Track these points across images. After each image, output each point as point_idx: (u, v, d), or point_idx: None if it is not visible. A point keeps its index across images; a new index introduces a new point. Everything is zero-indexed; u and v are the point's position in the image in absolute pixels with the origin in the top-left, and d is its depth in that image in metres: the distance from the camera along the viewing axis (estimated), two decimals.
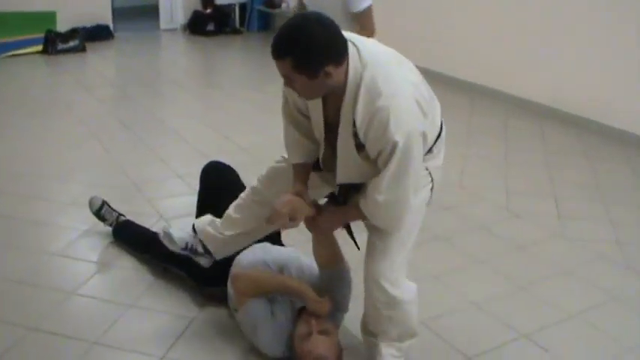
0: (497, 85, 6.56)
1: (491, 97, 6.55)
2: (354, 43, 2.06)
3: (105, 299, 2.92)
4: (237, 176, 3.17)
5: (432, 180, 2.28)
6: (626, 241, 3.70)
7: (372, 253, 2.28)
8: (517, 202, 4.17)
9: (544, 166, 4.88)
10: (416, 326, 2.41)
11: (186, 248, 2.70)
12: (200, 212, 3.02)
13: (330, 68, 1.96)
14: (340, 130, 2.12)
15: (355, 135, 2.08)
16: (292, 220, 2.24)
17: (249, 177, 2.84)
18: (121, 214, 3.40)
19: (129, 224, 3.35)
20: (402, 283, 2.29)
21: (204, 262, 2.73)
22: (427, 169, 2.25)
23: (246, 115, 5.78)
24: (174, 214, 3.70)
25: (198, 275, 2.88)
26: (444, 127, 2.33)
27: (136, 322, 2.77)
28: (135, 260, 3.22)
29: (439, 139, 2.28)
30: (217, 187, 3.08)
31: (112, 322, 2.74)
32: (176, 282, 3.03)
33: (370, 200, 2.13)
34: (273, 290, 2.51)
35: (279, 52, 1.96)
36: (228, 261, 2.73)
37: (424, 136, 2.07)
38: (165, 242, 2.72)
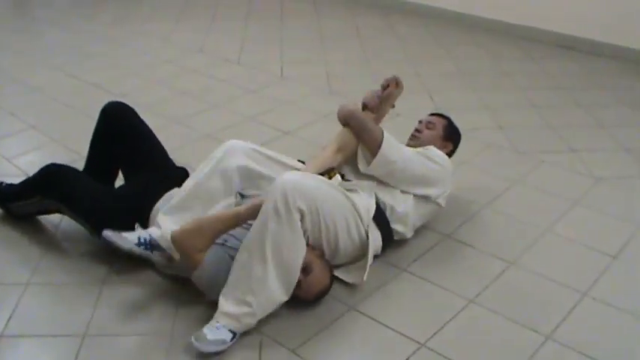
0: None
1: None
2: None
3: None
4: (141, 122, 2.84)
5: None
6: (506, 125, 3.85)
7: None
8: None
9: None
10: None
11: (140, 243, 2.37)
12: (91, 164, 2.78)
13: None
14: None
15: None
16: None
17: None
18: None
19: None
20: None
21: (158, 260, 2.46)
22: None
23: (85, 47, 5.23)
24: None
25: (99, 218, 2.53)
26: None
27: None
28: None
29: None
30: (118, 133, 2.76)
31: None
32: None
33: None
34: (219, 228, 2.29)
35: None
36: (138, 202, 2.55)
37: None
38: (114, 240, 2.33)
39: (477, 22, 5.72)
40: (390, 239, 2.60)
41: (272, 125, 3.84)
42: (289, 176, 2.28)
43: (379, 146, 2.55)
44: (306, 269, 2.28)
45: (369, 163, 2.59)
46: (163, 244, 2.39)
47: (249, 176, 2.53)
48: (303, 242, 2.27)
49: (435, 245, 2.75)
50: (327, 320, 2.34)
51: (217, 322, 2.18)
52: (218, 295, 2.26)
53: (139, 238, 2.37)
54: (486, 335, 2.29)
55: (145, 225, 2.55)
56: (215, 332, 2.15)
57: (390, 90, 2.80)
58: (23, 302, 2.41)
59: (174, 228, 2.32)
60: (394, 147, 2.60)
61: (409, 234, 2.67)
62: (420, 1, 6.11)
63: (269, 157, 2.60)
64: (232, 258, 2.30)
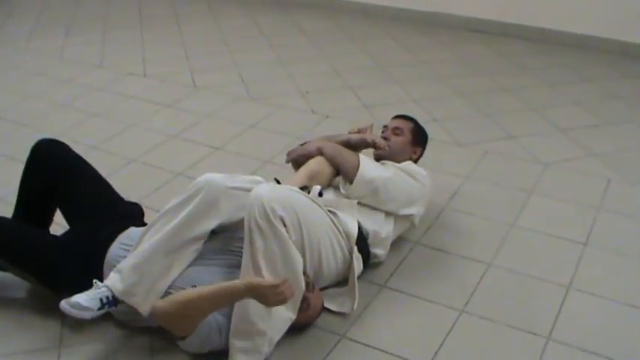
0: None
1: None
2: None
3: None
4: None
5: None
6: (440, 117, 3.78)
7: None
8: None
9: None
10: None
11: (103, 305, 2.07)
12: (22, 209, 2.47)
13: None
14: None
15: None
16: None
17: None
18: None
19: None
20: None
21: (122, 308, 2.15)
22: None
23: None
24: None
25: (50, 272, 2.24)
26: None
27: None
28: None
29: None
30: (56, 173, 2.44)
31: None
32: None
33: None
34: (210, 309, 2.00)
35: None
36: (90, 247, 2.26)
37: None
38: (77, 315, 2.02)
39: (383, 11, 5.67)
40: (368, 263, 2.46)
41: (199, 142, 3.59)
42: (261, 188, 2.12)
43: (357, 167, 2.41)
44: (307, 285, 2.12)
45: (350, 184, 2.44)
46: (127, 300, 2.12)
47: (228, 224, 2.25)
48: (296, 251, 2.08)
49: (407, 255, 2.64)
50: (322, 354, 2.17)
51: None
52: (208, 350, 2.05)
53: (101, 301, 2.08)
54: (488, 346, 2.20)
55: (100, 269, 2.25)
56: None
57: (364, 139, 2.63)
58: None
59: (135, 281, 2.08)
60: (373, 166, 2.47)
61: (385, 257, 2.54)
62: None
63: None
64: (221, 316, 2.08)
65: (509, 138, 3.58)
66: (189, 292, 2.01)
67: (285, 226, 2.05)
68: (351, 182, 2.43)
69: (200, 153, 3.46)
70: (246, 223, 2.07)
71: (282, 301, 1.94)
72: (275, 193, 2.10)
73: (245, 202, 2.12)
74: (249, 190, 2.14)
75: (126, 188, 2.60)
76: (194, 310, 1.97)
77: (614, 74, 4.46)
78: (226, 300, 1.98)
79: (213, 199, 2.16)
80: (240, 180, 2.24)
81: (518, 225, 2.83)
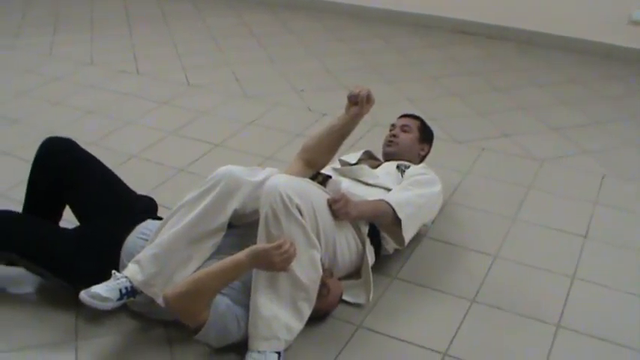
0: None
1: None
2: None
3: None
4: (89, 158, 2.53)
5: None
6: (435, 116, 3.86)
7: None
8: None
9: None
10: None
11: (122, 295, 2.08)
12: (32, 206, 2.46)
13: None
14: None
15: None
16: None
17: None
18: None
19: None
20: None
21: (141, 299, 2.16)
22: None
23: None
24: None
25: (72, 272, 2.24)
26: None
27: None
28: None
29: None
30: (67, 170, 2.43)
31: None
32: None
33: None
34: (219, 286, 2.05)
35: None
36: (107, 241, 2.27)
37: None
38: (98, 306, 2.02)
39: (371, 13, 5.74)
40: (379, 255, 2.51)
41: (198, 139, 3.61)
42: (279, 177, 2.15)
43: (396, 216, 2.38)
44: (325, 271, 2.16)
45: (398, 239, 2.47)
46: (146, 290, 2.14)
47: (245, 214, 2.27)
48: (313, 236, 2.11)
49: (415, 247, 2.69)
50: (340, 343, 2.21)
51: (257, 350, 2.02)
52: (226, 344, 2.08)
53: (120, 292, 2.09)
54: (500, 334, 2.27)
55: (116, 264, 2.26)
56: (260, 358, 2.00)
57: (360, 111, 2.53)
58: None
59: (155, 271, 2.11)
60: (404, 206, 2.43)
61: (394, 249, 2.59)
62: None
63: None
64: (231, 298, 2.11)
65: (504, 136, 3.67)
66: (196, 273, 2.06)
67: (301, 214, 2.09)
68: (397, 227, 2.41)
69: (200, 149, 3.48)
70: (262, 211, 2.09)
71: (287, 260, 1.98)
72: (291, 182, 2.13)
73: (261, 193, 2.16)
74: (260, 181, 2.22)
75: (129, 184, 2.60)
76: (203, 287, 1.99)
77: (599, 75, 4.59)
78: (233, 273, 2.01)
79: (232, 189, 2.19)
80: (259, 172, 2.28)
81: (519, 219, 2.90)
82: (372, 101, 2.53)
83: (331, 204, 2.21)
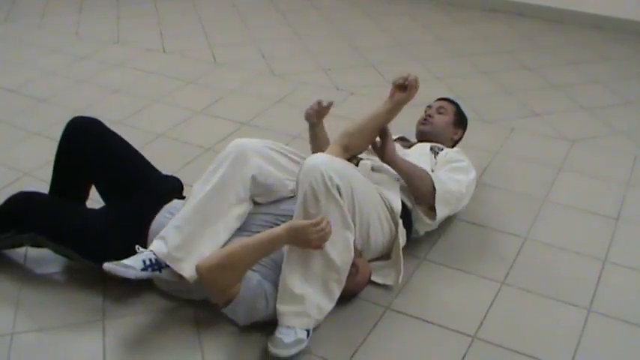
0: None
1: None
2: None
3: None
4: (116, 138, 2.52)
5: None
6: (463, 95, 3.82)
7: None
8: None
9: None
10: None
11: (147, 266, 2.09)
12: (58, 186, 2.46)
13: None
14: None
15: None
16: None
17: None
18: None
19: None
20: None
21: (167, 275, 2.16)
22: None
23: None
24: None
25: (93, 247, 2.26)
26: None
27: None
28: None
29: None
30: (94, 151, 2.43)
31: None
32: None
33: None
34: (254, 259, 2.05)
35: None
36: (133, 220, 2.28)
37: None
38: (116, 272, 2.03)
39: None
40: (409, 237, 2.49)
41: (225, 117, 3.60)
42: (319, 156, 2.13)
43: (432, 185, 2.39)
44: (354, 251, 2.16)
45: (427, 214, 2.46)
46: (171, 263, 2.14)
47: (265, 183, 2.30)
48: (349, 218, 2.11)
49: (445, 229, 2.67)
50: (369, 325, 2.21)
51: (287, 325, 2.03)
52: (252, 321, 2.09)
53: (144, 262, 2.10)
54: (531, 317, 2.24)
55: (144, 244, 2.27)
56: (290, 334, 2.01)
57: (407, 97, 2.42)
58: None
59: (178, 243, 2.10)
60: (440, 182, 2.42)
61: (424, 232, 2.57)
62: None
63: (285, 155, 2.38)
64: (262, 274, 2.11)
65: (534, 115, 3.61)
66: (231, 245, 2.07)
67: (340, 194, 2.08)
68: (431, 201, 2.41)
69: (227, 128, 3.47)
70: (301, 189, 2.07)
71: (323, 238, 1.98)
72: (332, 162, 2.11)
73: (297, 168, 2.19)
74: (277, 150, 2.31)
75: (155, 163, 2.58)
76: (238, 260, 1.99)
77: (632, 53, 4.49)
78: (269, 247, 2.02)
79: (243, 156, 2.24)
80: (269, 142, 2.35)
81: (550, 200, 2.86)
82: (418, 87, 2.46)
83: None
